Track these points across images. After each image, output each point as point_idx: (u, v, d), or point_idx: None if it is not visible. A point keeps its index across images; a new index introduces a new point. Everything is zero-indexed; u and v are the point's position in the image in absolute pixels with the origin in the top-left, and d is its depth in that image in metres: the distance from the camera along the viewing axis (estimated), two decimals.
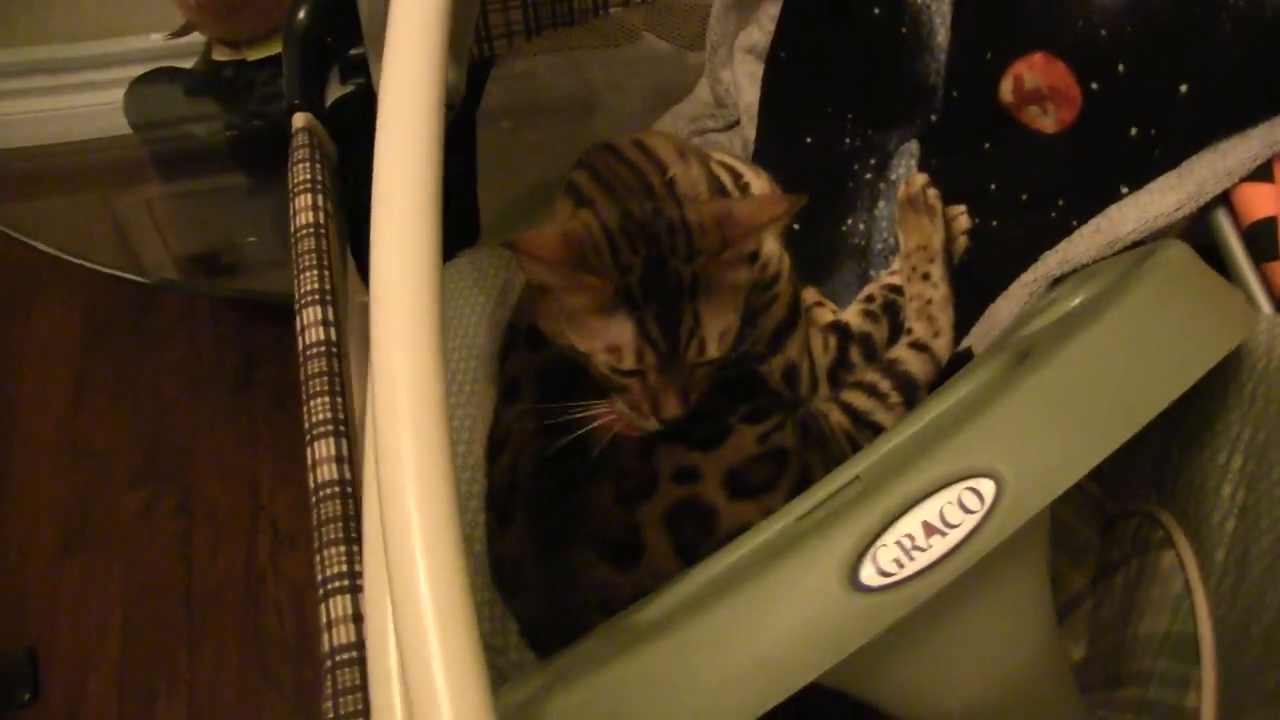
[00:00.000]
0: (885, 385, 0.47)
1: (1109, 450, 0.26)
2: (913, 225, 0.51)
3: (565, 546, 0.43)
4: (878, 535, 0.25)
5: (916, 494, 0.26)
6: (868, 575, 0.25)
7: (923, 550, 0.25)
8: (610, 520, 0.42)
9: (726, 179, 0.49)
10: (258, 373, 1.08)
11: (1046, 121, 0.48)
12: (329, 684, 0.34)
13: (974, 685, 0.29)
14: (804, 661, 0.24)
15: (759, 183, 0.50)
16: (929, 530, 0.26)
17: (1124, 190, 0.44)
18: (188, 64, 0.93)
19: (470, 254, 0.58)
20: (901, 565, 0.25)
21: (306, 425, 0.38)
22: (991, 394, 0.28)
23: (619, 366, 0.40)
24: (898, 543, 0.26)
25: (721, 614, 0.25)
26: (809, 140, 0.56)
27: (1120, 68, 0.44)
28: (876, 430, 0.45)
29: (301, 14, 0.48)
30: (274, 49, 0.84)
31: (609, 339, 0.40)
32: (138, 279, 0.94)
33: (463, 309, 0.55)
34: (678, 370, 0.41)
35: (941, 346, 0.49)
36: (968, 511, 0.26)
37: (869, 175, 0.55)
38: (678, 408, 0.41)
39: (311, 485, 0.36)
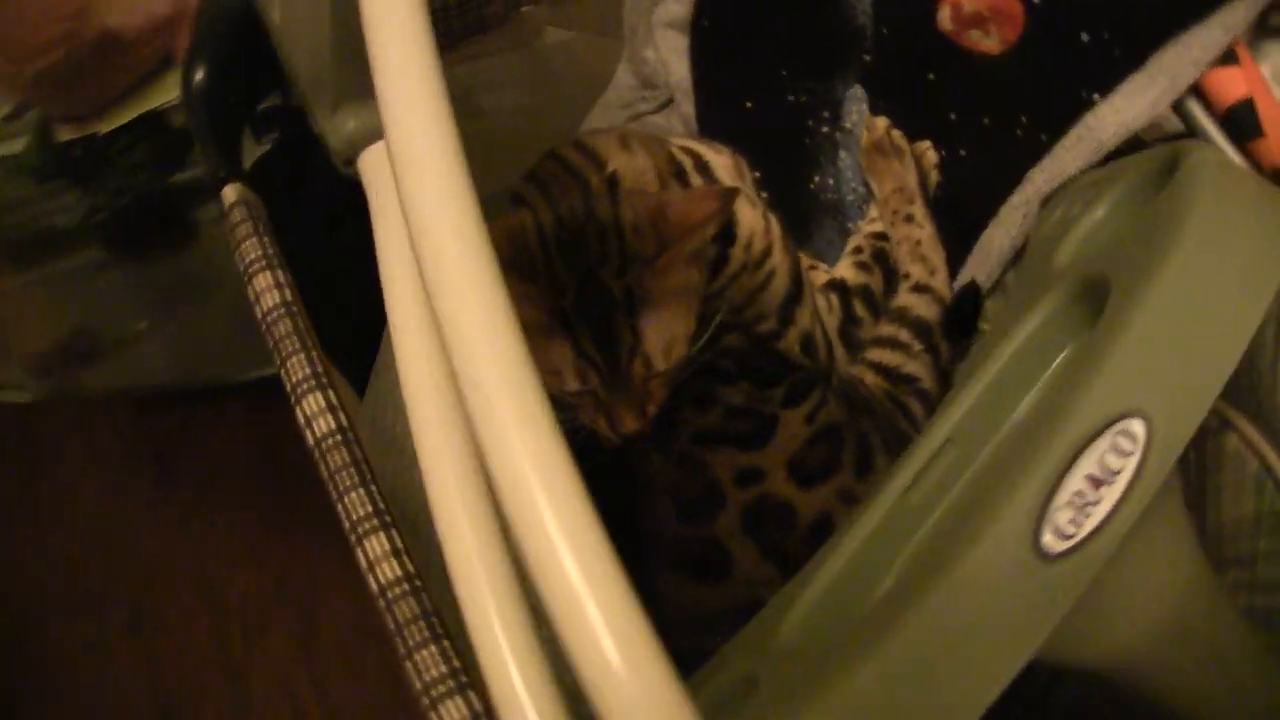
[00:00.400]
0: (905, 335, 0.46)
1: (1232, 366, 0.26)
2: (883, 170, 0.51)
3: (649, 577, 0.41)
4: (1049, 499, 0.24)
5: (1072, 449, 0.25)
6: (1050, 542, 0.24)
7: (1095, 504, 0.24)
8: (685, 541, 0.41)
9: (688, 162, 0.47)
10: (176, 461, 1.01)
11: (990, 43, 0.48)
12: None
13: (1134, 621, 0.28)
14: (1017, 646, 0.23)
15: (720, 159, 0.48)
16: (1095, 482, 0.25)
17: (1094, 97, 0.44)
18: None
19: None
20: (1079, 524, 0.24)
21: (347, 526, 0.34)
22: (1102, 335, 0.27)
23: (564, 388, 0.38)
24: (1069, 503, 0.25)
25: (922, 622, 0.24)
26: (750, 105, 0.54)
27: None
28: (911, 382, 0.45)
29: (200, 75, 0.44)
30: (129, 115, 0.77)
31: (550, 363, 0.38)
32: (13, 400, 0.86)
33: None
34: (625, 388, 0.39)
35: (941, 283, 0.49)
36: (1125, 455, 0.25)
37: (825, 128, 0.54)
38: (635, 423, 0.39)
39: (375, 588, 0.33)
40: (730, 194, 0.39)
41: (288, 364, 0.37)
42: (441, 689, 0.31)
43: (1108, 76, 0.44)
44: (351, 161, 0.36)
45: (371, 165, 0.35)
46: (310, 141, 0.47)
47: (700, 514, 0.43)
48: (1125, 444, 0.25)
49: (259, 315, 0.38)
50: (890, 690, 0.23)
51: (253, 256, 0.39)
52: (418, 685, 0.31)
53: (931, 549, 0.31)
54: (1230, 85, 0.44)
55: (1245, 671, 0.31)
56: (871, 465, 0.42)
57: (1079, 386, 0.26)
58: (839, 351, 0.48)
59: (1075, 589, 0.24)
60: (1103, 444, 0.25)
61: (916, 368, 0.46)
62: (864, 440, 0.43)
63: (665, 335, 0.40)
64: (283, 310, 0.38)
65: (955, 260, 0.50)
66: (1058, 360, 0.34)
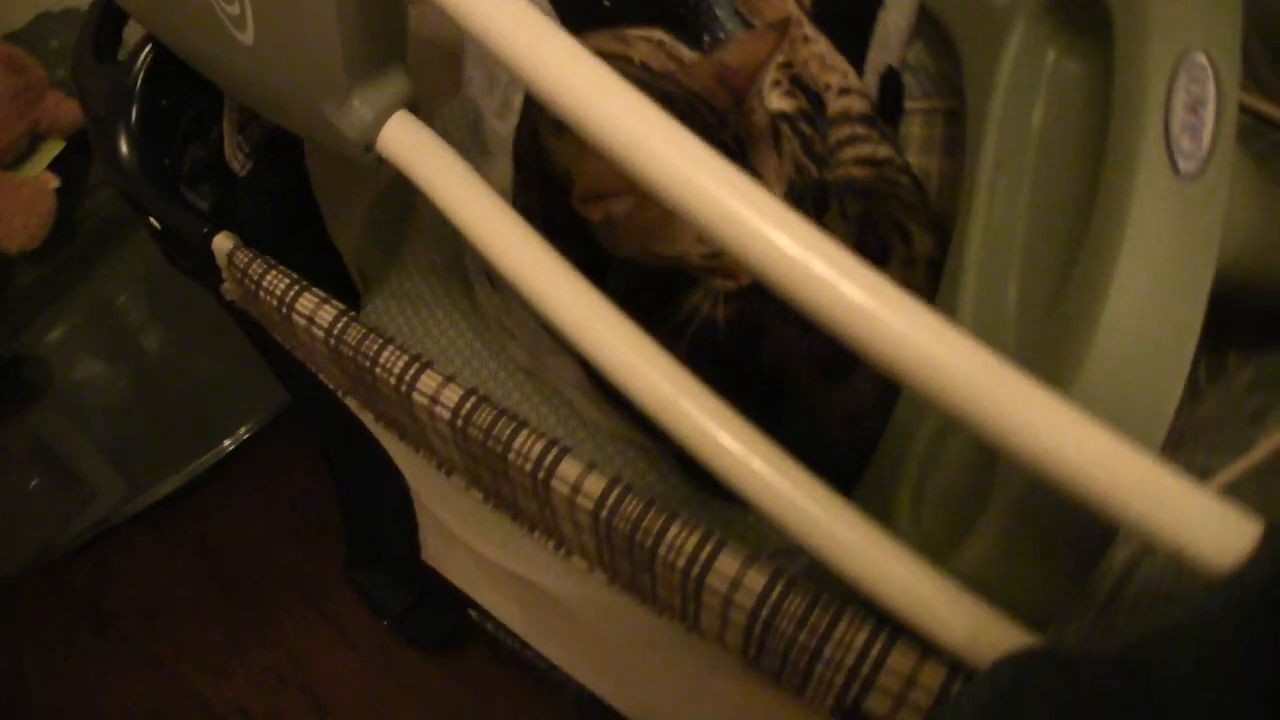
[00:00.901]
0: (859, 130, 0.50)
1: None
2: (762, 5, 0.54)
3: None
4: (1167, 131, 0.29)
5: (1165, 88, 0.29)
6: (1185, 165, 0.29)
7: (1201, 125, 0.29)
8: (810, 355, 0.43)
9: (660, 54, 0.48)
10: (110, 603, 0.94)
11: None
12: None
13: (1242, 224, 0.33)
14: (1204, 263, 0.28)
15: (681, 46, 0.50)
16: (1192, 108, 0.29)
17: None
18: None
19: None
20: (1198, 142, 0.29)
21: (394, 381, 0.35)
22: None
23: (713, 248, 0.40)
24: (1182, 130, 0.29)
25: (1127, 276, 0.27)
26: (608, 3, 0.56)
27: None
28: (889, 163, 0.49)
29: (125, 150, 0.41)
30: None
31: (693, 233, 0.40)
32: None
33: None
34: None
35: (857, 81, 0.53)
36: (1202, 81, 0.30)
37: None
38: None
39: (447, 417, 0.34)
40: (785, 24, 0.41)
41: (379, 359, 0.37)
42: (545, 468, 0.33)
43: None
44: (371, 146, 0.35)
45: (396, 136, 0.35)
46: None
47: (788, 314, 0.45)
48: (1198, 72, 0.30)
49: (320, 335, 0.38)
50: (1121, 355, 0.28)
51: (283, 286, 0.38)
52: (528, 467, 0.34)
53: (1067, 229, 0.35)
54: None
55: None
56: (910, 237, 0.47)
57: (1145, 38, 0.30)
58: (814, 169, 0.52)
59: (1219, 197, 0.29)
60: (1182, 78, 0.29)
61: (886, 150, 0.51)
62: (892, 218, 0.48)
63: (772, 169, 0.42)
64: (345, 319, 0.38)
65: (855, 62, 0.54)
66: (1047, 63, 0.39)
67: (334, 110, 0.34)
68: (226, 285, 0.42)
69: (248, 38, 0.34)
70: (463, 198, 0.34)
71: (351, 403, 0.44)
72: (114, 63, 0.43)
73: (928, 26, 0.52)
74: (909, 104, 0.53)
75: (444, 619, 0.82)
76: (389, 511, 0.65)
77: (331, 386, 0.44)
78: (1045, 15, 0.39)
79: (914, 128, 0.53)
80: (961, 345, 0.24)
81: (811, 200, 0.46)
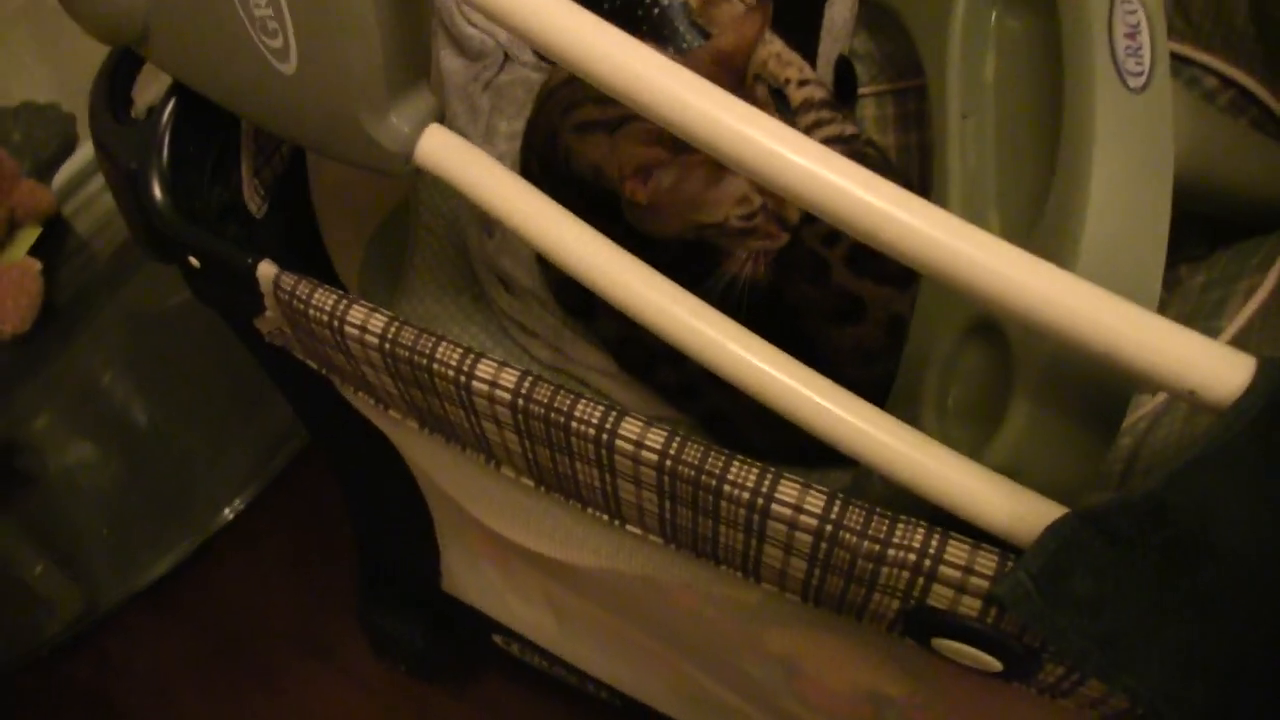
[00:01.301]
0: (824, 115, 0.55)
1: None
2: (718, 14, 0.59)
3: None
4: (1114, 55, 0.33)
5: (1106, 22, 0.34)
6: (1134, 81, 0.34)
7: (1141, 47, 0.34)
8: (821, 302, 0.47)
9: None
10: (117, 693, 0.91)
11: None
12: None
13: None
14: (1164, 167, 0.32)
15: None
16: (1130, 34, 0.34)
17: None
18: None
19: None
20: (1141, 61, 0.34)
21: (452, 373, 0.38)
22: None
23: (750, 210, 0.44)
24: (1125, 52, 0.34)
25: (1103, 179, 0.32)
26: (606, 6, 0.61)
27: None
28: (856, 138, 0.53)
29: (160, 195, 0.44)
30: None
31: (733, 196, 0.45)
32: None
33: None
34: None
35: (811, 72, 0.58)
36: (1134, 13, 0.35)
37: (654, 8, 0.61)
38: (796, 212, 0.46)
39: (508, 398, 0.36)
40: (768, 4, 0.46)
41: (436, 354, 0.39)
42: (608, 429, 0.36)
43: None
44: (409, 158, 0.39)
45: (433, 147, 0.38)
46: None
47: (819, 278, 0.50)
48: (1130, 6, 0.35)
49: (374, 341, 0.40)
50: (1109, 242, 0.32)
51: (332, 301, 0.41)
52: (591, 432, 0.36)
53: (1033, 157, 0.39)
54: None
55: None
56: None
57: None
58: None
59: (1166, 105, 0.33)
60: (1119, 12, 0.34)
61: (850, 128, 0.55)
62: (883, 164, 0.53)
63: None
64: (396, 324, 0.40)
65: (808, 56, 0.59)
66: (991, 23, 0.44)
67: (375, 127, 0.37)
68: (269, 314, 0.44)
69: (289, 68, 0.37)
70: (507, 195, 0.37)
71: (393, 416, 0.47)
72: (131, 122, 0.46)
73: (869, 16, 0.58)
74: (860, 89, 0.58)
75: (461, 653, 0.83)
76: (410, 543, 0.67)
77: (372, 402, 0.47)
78: None
79: (868, 110, 0.59)
80: (996, 243, 0.28)
81: None
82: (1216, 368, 0.28)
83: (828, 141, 0.54)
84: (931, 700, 0.47)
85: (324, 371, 0.48)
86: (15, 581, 0.75)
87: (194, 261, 0.44)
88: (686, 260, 0.48)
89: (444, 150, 0.38)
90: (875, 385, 0.49)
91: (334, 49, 0.36)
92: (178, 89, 0.43)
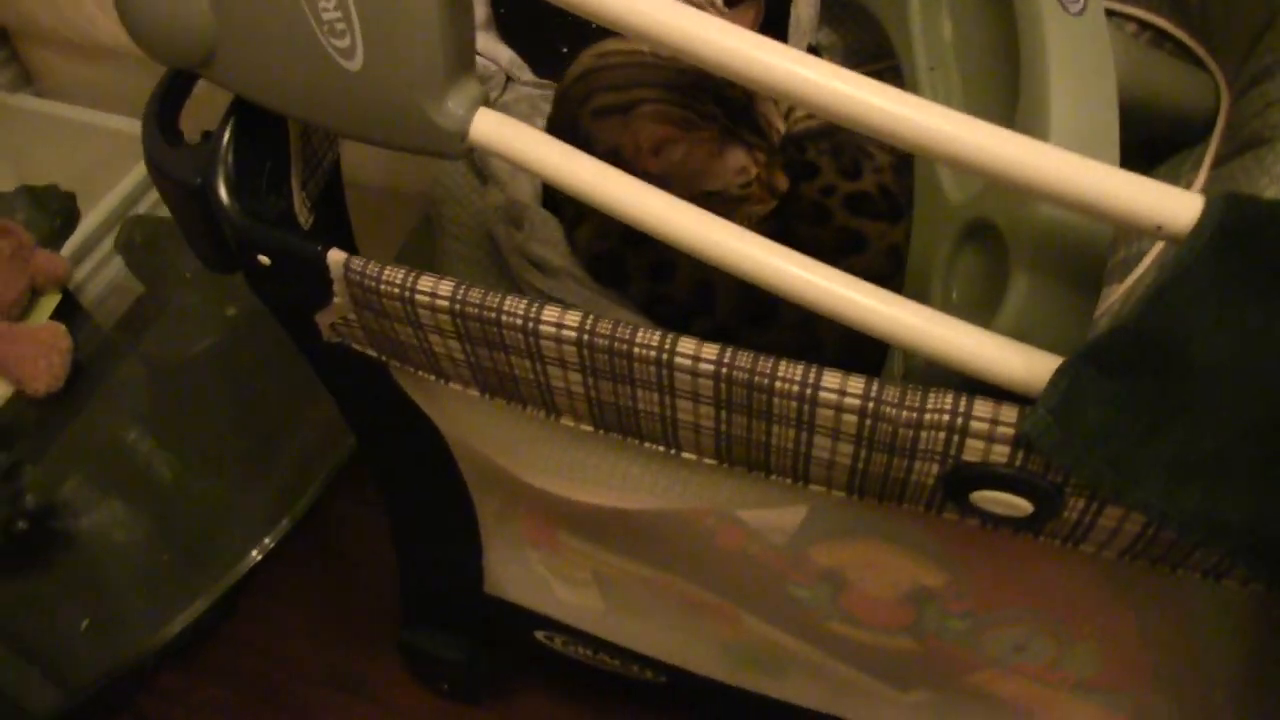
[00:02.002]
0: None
1: None
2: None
3: None
4: None
5: None
6: (1072, 6, 0.40)
7: None
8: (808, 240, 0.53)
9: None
10: None
11: None
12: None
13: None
14: (1108, 79, 0.39)
15: None
16: None
17: None
18: None
19: None
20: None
21: (654, 354, 0.42)
22: None
23: (747, 179, 0.51)
24: None
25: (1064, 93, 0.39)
26: (565, 50, 0.67)
27: None
28: (830, 135, 0.60)
29: (227, 198, 0.48)
30: None
31: (734, 165, 0.52)
32: None
33: None
34: (774, 154, 0.54)
35: None
36: None
37: None
38: (784, 179, 0.54)
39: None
40: (759, 8, 0.53)
41: (504, 307, 0.44)
42: (667, 349, 0.41)
43: None
44: (465, 138, 0.44)
45: (486, 126, 0.44)
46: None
47: (823, 221, 0.56)
48: None
49: (444, 304, 0.45)
50: (1072, 126, 0.38)
51: (400, 275, 0.45)
52: (651, 354, 0.41)
53: (996, 94, 0.46)
54: None
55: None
56: (870, 154, 0.58)
57: None
58: None
59: (1103, 26, 0.40)
60: None
61: (819, 123, 0.63)
62: (853, 144, 0.59)
63: (776, 114, 0.55)
64: (464, 286, 0.45)
65: None
66: None
67: (435, 111, 0.43)
68: (337, 300, 0.48)
69: (355, 64, 0.42)
70: (557, 161, 0.43)
71: (454, 388, 0.51)
72: (185, 145, 0.50)
73: (830, 11, 0.65)
74: None
75: (501, 671, 0.86)
76: (453, 544, 0.71)
77: (433, 379, 0.51)
78: None
79: None
80: (994, 129, 0.35)
81: (795, 144, 0.58)
82: (1176, 206, 0.35)
83: (808, 117, 0.61)
84: (966, 588, 0.52)
85: (383, 358, 0.52)
86: (55, 639, 0.76)
87: (264, 260, 0.48)
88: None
89: (497, 127, 0.44)
90: None
91: (398, 42, 0.41)
92: (236, 108, 0.48)
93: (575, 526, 0.61)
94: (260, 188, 0.50)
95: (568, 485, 0.55)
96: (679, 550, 0.59)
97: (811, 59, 0.36)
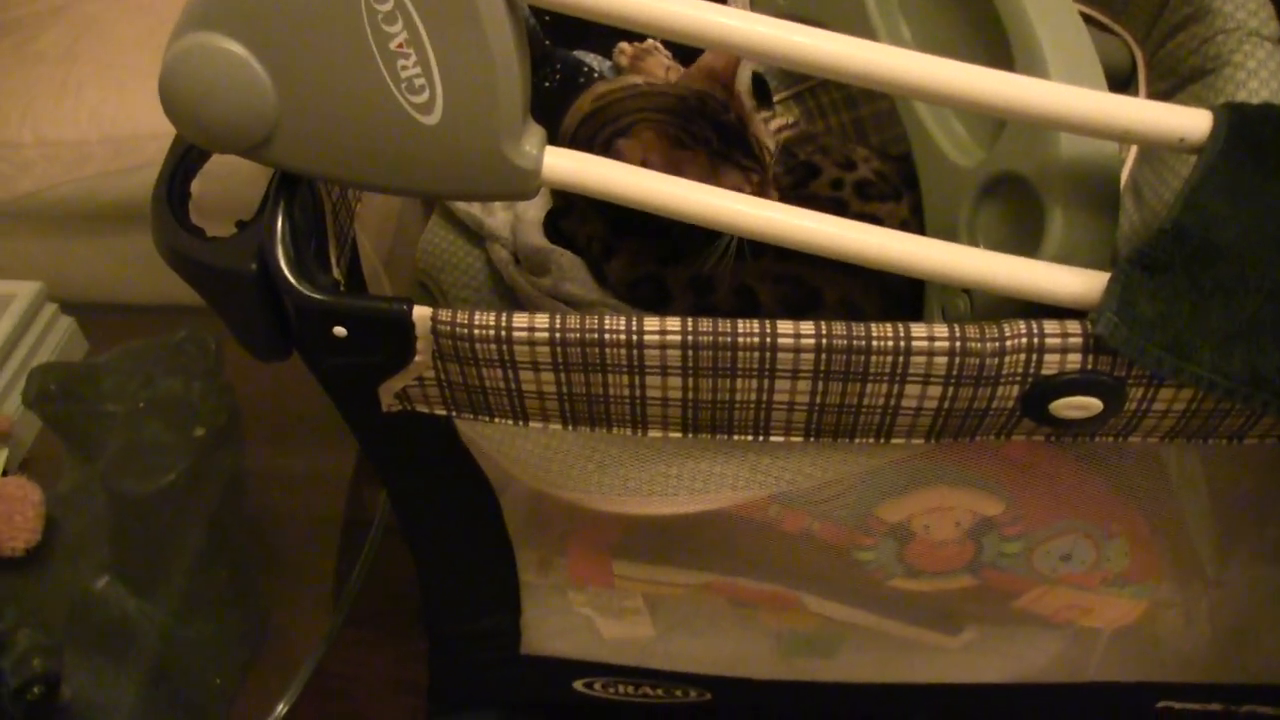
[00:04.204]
0: (764, 113, 0.67)
1: None
2: (646, 67, 0.70)
3: None
4: None
5: None
6: None
7: None
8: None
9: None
10: None
11: None
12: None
13: None
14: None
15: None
16: None
17: None
18: None
19: None
20: None
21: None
22: None
23: (750, 190, 0.55)
24: None
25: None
26: (548, 84, 0.69)
27: None
28: (799, 125, 0.66)
29: (291, 278, 0.47)
30: None
31: (729, 185, 0.56)
32: None
33: None
34: (765, 173, 0.58)
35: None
36: None
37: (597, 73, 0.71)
38: (777, 194, 0.59)
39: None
40: None
41: (605, 326, 0.46)
42: (769, 333, 0.45)
43: None
44: (539, 175, 0.46)
45: (557, 161, 0.46)
46: None
47: (841, 213, 0.59)
48: None
49: (544, 336, 0.46)
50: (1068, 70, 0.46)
51: (492, 317, 0.47)
52: (755, 341, 0.45)
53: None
54: None
55: None
56: (854, 155, 0.64)
57: None
58: None
59: None
60: None
61: (791, 118, 0.68)
62: (838, 149, 0.65)
63: (766, 133, 0.59)
64: (559, 315, 0.46)
65: None
66: None
67: (514, 153, 0.45)
68: (418, 359, 0.49)
69: (434, 118, 0.44)
70: (632, 180, 0.46)
71: (533, 426, 0.52)
72: (207, 237, 0.49)
73: None
74: (775, 96, 0.71)
75: None
76: (491, 608, 0.70)
77: (510, 423, 0.52)
78: None
79: (792, 110, 0.72)
80: (1007, 76, 0.41)
81: (785, 153, 0.64)
82: (1192, 121, 0.43)
83: (781, 130, 0.67)
84: (1021, 510, 0.58)
85: (450, 414, 0.53)
86: None
87: (339, 332, 0.48)
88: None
89: (565, 161, 0.46)
90: None
91: (480, 91, 0.43)
92: (284, 189, 0.48)
93: (636, 549, 0.63)
94: (310, 263, 0.49)
95: (648, 502, 0.56)
96: (743, 546, 0.61)
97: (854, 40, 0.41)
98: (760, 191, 0.59)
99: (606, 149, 0.57)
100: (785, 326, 0.46)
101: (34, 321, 1.00)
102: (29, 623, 0.62)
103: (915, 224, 0.60)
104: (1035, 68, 0.47)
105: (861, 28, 0.60)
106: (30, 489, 0.68)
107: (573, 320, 0.46)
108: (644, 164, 0.54)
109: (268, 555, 0.89)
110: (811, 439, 0.52)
